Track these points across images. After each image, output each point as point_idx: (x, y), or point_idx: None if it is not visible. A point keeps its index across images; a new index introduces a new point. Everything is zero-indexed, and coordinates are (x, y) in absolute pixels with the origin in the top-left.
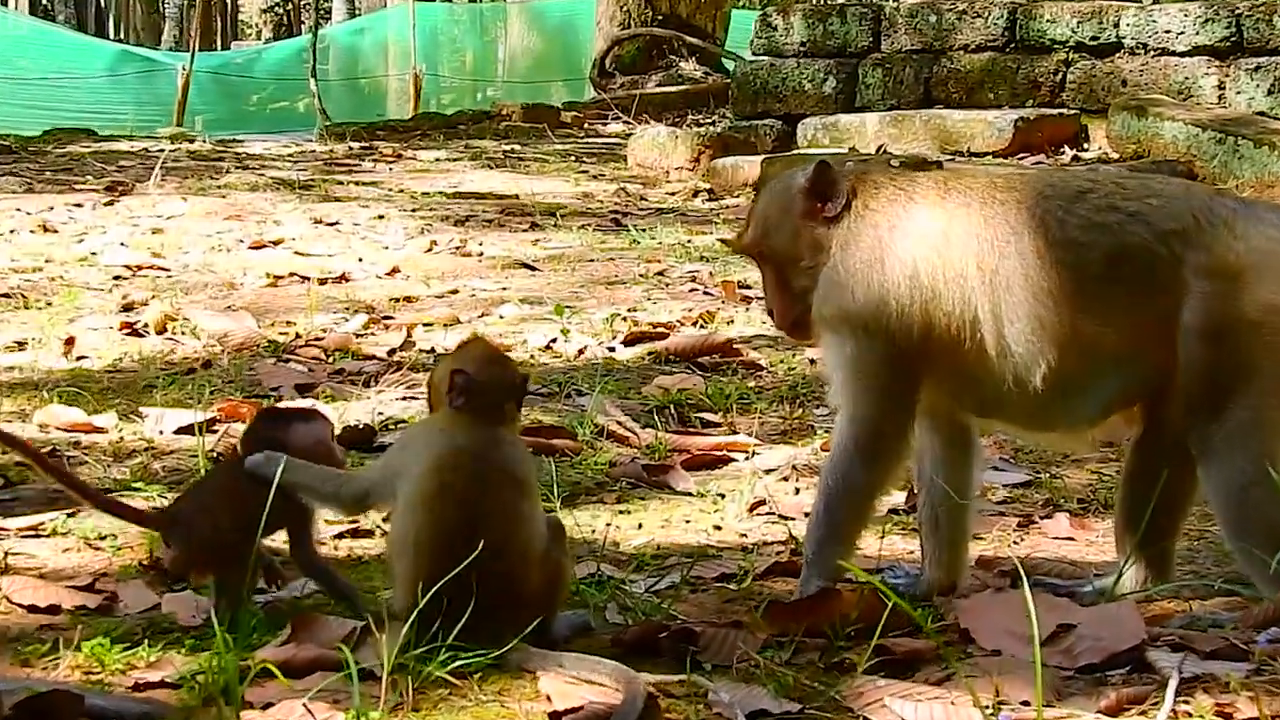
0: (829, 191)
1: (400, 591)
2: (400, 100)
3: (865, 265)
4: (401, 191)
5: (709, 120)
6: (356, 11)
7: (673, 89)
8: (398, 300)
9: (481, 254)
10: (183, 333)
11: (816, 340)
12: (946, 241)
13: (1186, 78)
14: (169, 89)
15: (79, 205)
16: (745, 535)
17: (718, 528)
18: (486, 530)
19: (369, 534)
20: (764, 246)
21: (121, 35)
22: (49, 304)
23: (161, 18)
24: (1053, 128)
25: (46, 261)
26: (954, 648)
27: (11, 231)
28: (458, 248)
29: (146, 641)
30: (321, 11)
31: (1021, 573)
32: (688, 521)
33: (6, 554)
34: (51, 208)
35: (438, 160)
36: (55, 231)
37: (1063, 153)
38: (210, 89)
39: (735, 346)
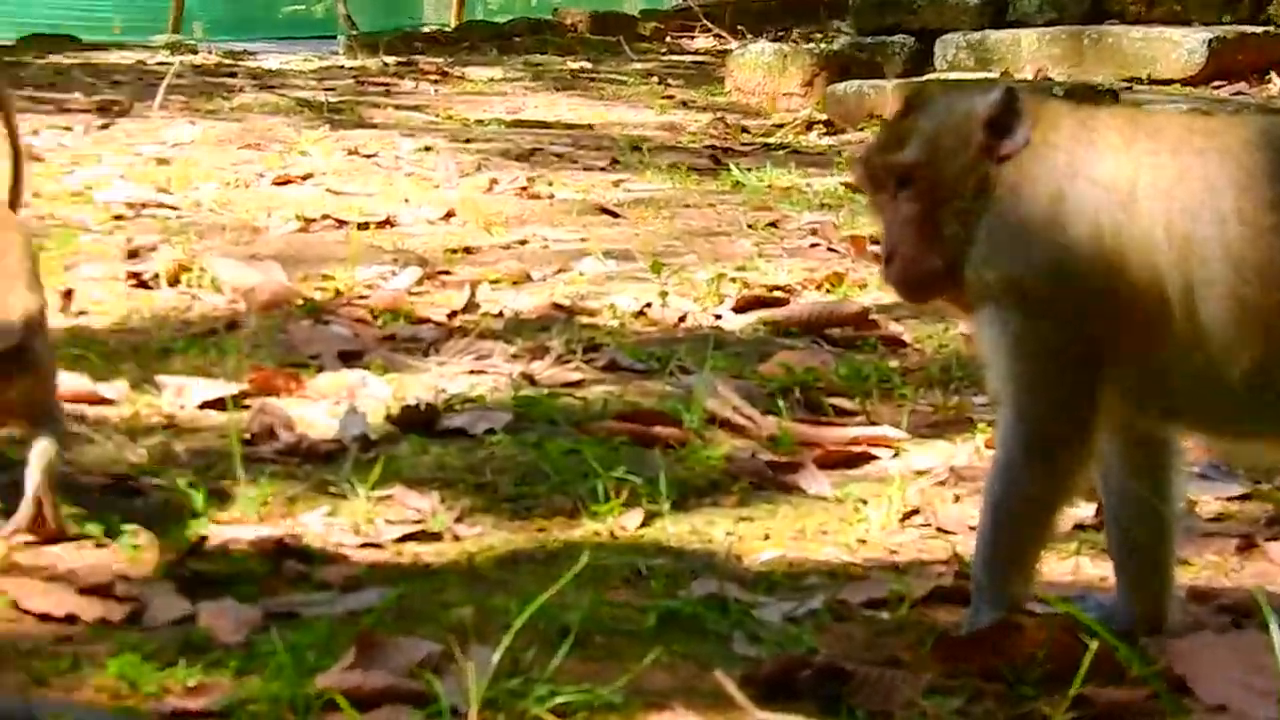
0: (1013, 125)
1: None
2: (439, 5)
3: (1044, 219)
4: (450, 118)
5: (820, 35)
6: None
7: None
8: (455, 251)
9: (552, 196)
10: (199, 285)
11: (963, 310)
12: (1132, 196)
13: None
14: None
15: (68, 129)
16: (896, 551)
17: (862, 541)
18: None
19: (437, 537)
20: (924, 174)
21: None
22: (40, 248)
23: None
24: (1256, 50)
25: (34, 196)
26: (1169, 699)
27: None
28: (523, 188)
29: (183, 661)
30: None
31: (1265, 608)
32: (825, 533)
33: (10, 550)
34: (36, 131)
35: (491, 80)
36: (41, 160)
37: (1269, 82)
38: None
39: (872, 317)
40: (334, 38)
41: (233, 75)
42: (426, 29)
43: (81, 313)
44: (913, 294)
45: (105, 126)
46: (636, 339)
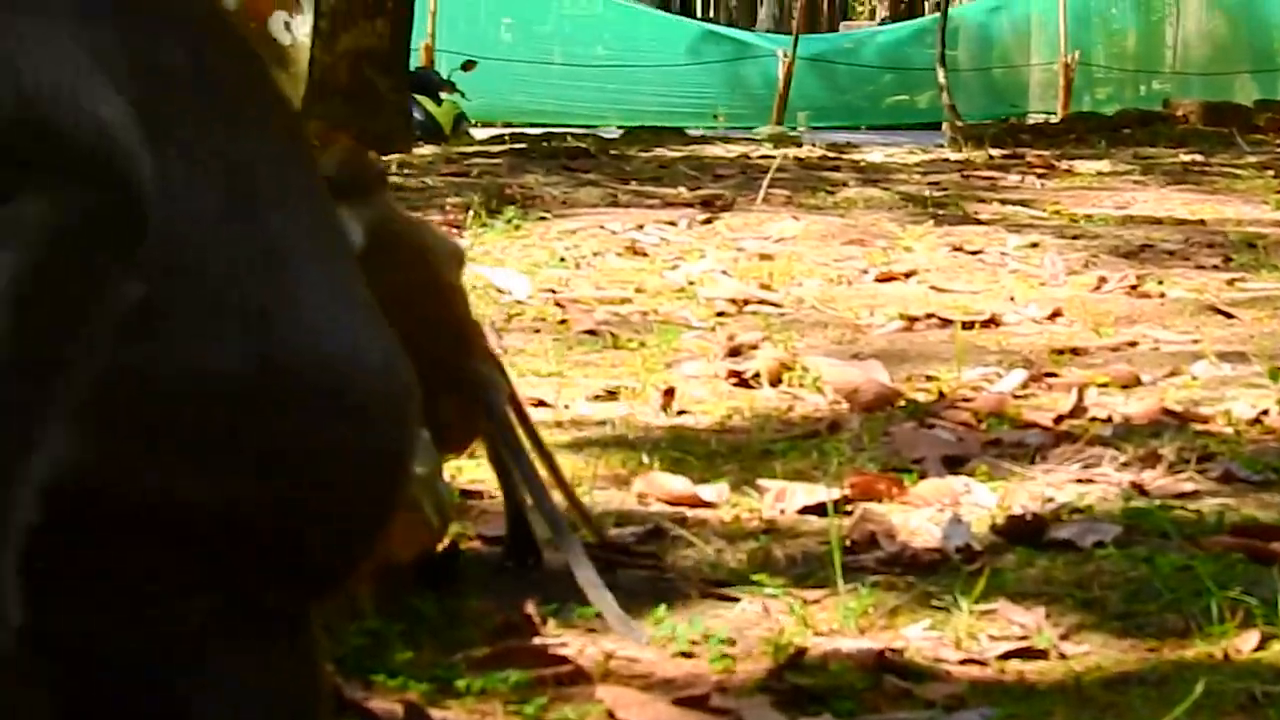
0: None
1: None
2: (1044, 95)
3: None
4: (1057, 213)
5: None
6: None
7: None
8: (1061, 352)
9: (1163, 295)
10: (801, 385)
11: None
12: None
13: None
14: (762, 78)
15: (671, 223)
16: None
17: None
18: None
19: (1042, 654)
20: None
21: (711, 14)
22: (642, 344)
23: None
24: None
25: (637, 291)
26: None
27: (595, 254)
28: (1132, 286)
29: None
30: None
31: None
32: None
33: (608, 657)
34: (641, 226)
35: (1099, 173)
36: (645, 255)
37: None
38: (812, 79)
39: None
40: (937, 127)
41: (836, 169)
42: (1032, 120)
43: (682, 412)
44: None
45: (708, 221)
46: (1253, 448)
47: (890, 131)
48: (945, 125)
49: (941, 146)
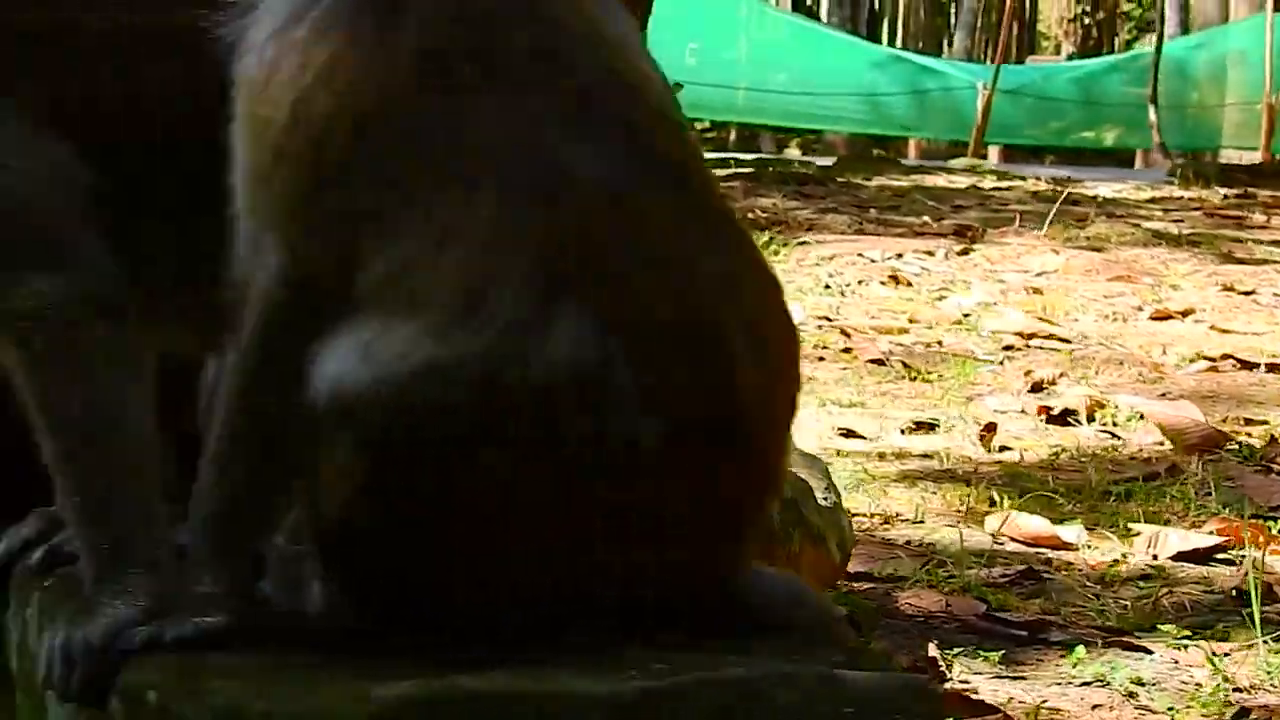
0: None
1: None
2: (1238, 134)
3: None
4: None
5: None
6: (1189, 26)
7: None
8: None
9: None
10: (1114, 423)
11: None
12: None
13: None
14: (950, 105)
15: (929, 253)
16: None
17: None
18: None
19: None
20: None
21: (898, 43)
22: (939, 376)
23: (949, 26)
24: None
25: (911, 322)
26: None
27: (859, 282)
28: None
29: None
30: (1142, 23)
31: None
32: None
33: (1038, 708)
34: (900, 255)
35: None
36: (909, 285)
37: None
38: (1006, 110)
39: None
40: (1129, 164)
41: (1076, 204)
42: (1245, 160)
43: (1004, 448)
44: None
45: (964, 252)
46: None
47: (1081, 167)
48: (1140, 160)
49: (1170, 183)
